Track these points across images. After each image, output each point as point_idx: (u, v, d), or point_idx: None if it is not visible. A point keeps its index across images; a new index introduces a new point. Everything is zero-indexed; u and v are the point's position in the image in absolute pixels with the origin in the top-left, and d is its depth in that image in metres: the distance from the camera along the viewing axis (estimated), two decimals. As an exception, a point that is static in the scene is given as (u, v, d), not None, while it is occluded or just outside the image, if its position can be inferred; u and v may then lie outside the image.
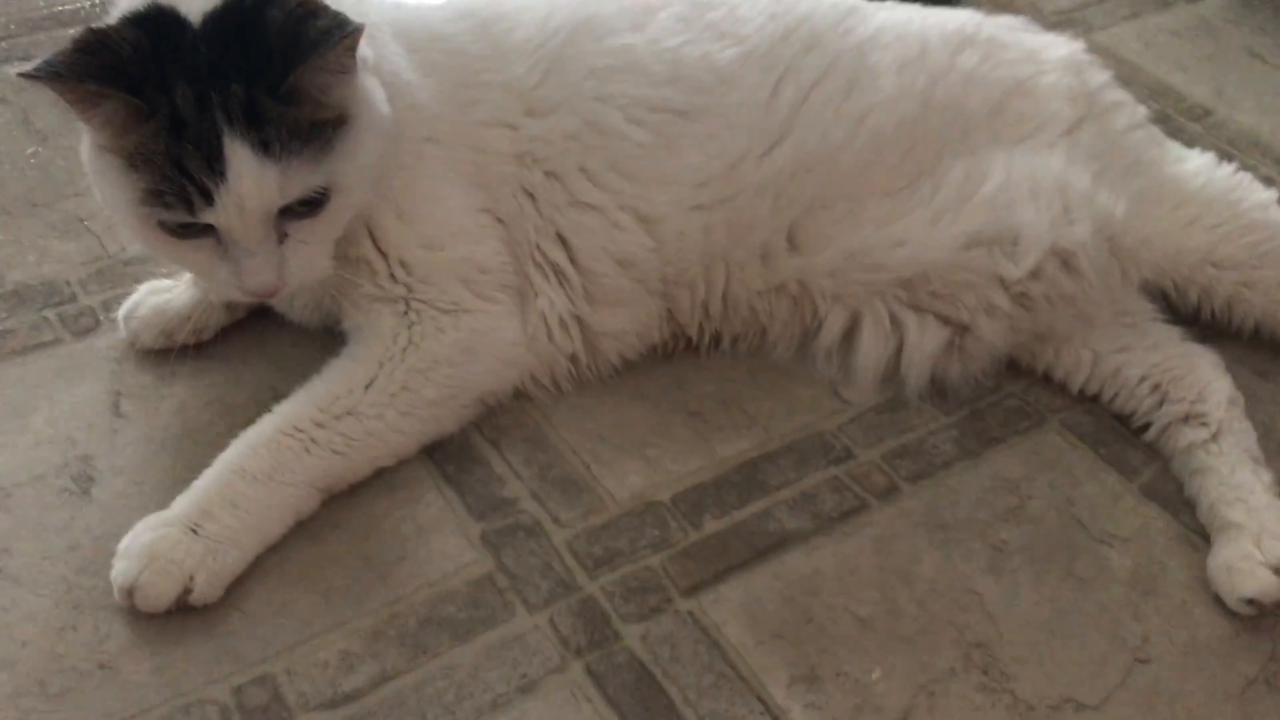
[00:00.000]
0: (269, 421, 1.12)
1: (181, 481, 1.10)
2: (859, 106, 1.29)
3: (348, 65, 1.03)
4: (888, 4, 1.43)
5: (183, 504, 1.07)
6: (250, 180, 0.98)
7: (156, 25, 1.01)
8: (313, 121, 1.01)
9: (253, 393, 1.24)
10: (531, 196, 1.23)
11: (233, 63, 0.99)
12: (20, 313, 1.31)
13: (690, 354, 1.34)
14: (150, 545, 1.03)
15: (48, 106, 1.57)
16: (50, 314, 1.32)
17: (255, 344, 1.29)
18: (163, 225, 1.02)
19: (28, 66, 0.96)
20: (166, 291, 1.28)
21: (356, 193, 1.08)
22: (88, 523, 1.11)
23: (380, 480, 1.17)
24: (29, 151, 1.53)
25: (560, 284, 1.24)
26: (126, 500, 1.13)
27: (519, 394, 1.26)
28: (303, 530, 1.11)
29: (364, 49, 1.05)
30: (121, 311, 1.28)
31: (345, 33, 0.99)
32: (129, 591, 1.02)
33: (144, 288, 1.29)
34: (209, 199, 0.99)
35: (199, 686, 1.00)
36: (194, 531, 1.04)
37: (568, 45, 1.26)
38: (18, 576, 1.06)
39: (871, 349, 1.29)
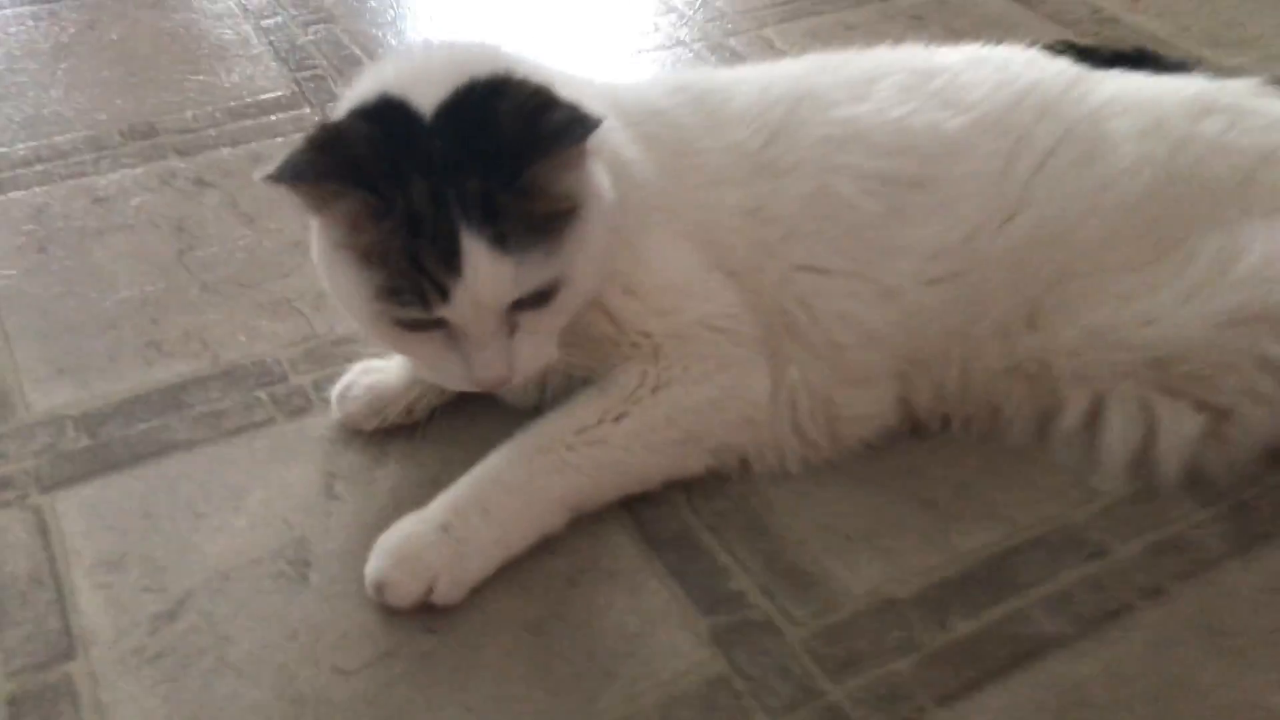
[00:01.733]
0: (523, 438, 1.13)
1: (397, 567, 1.06)
2: (1098, 176, 1.21)
3: (582, 158, 1.01)
4: (1114, 72, 1.36)
5: (438, 504, 1.09)
6: (486, 276, 0.96)
7: (388, 119, 1.00)
8: (546, 214, 0.99)
9: (463, 474, 1.20)
10: (768, 253, 1.19)
11: (467, 157, 0.96)
12: (233, 393, 1.31)
13: (914, 438, 1.25)
14: (401, 544, 1.06)
15: (255, 191, 1.60)
16: (262, 394, 1.31)
17: (466, 424, 1.26)
18: (395, 319, 1.00)
19: (269, 169, 0.95)
20: (379, 371, 1.26)
21: (586, 282, 1.06)
22: (305, 609, 1.08)
23: (599, 569, 1.11)
24: (237, 235, 1.54)
25: (807, 352, 1.19)
26: (343, 586, 1.10)
27: (741, 472, 1.20)
28: (526, 621, 1.06)
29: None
30: (335, 392, 1.26)
31: (586, 129, 0.96)
32: (380, 587, 1.05)
33: (357, 368, 1.28)
34: (445, 295, 0.96)
35: (426, 788, 0.94)
36: (445, 530, 1.06)
37: (790, 115, 1.22)
38: (239, 667, 1.03)
39: (1119, 435, 1.19)
